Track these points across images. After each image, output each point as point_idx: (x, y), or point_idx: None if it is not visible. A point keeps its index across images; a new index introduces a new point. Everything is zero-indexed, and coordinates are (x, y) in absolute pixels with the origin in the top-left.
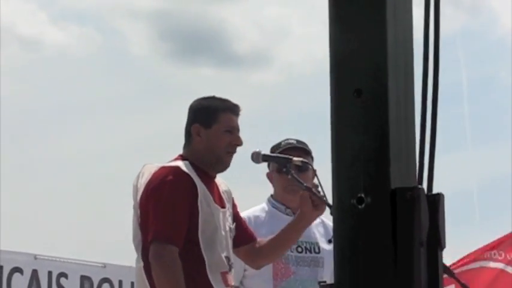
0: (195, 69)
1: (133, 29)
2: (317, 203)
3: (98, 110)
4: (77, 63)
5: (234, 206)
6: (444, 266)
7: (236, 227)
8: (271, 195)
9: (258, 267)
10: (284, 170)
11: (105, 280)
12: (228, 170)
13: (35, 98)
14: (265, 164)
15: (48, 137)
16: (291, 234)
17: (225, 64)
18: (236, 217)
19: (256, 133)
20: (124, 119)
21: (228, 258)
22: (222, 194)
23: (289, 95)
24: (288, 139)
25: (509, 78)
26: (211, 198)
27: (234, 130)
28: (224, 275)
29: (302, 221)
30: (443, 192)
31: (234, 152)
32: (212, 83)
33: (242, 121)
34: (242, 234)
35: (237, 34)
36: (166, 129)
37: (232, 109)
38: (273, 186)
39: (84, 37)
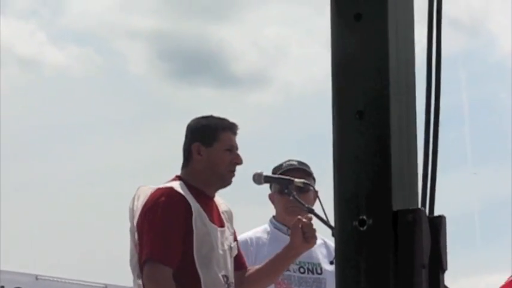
0: (194, 90)
1: (132, 49)
2: (308, 235)
3: (97, 130)
4: (76, 83)
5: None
6: None
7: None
8: (273, 216)
9: None
10: (286, 191)
11: None
12: (229, 190)
13: (34, 118)
14: (266, 185)
15: (47, 157)
16: (279, 265)
17: (224, 84)
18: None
19: (255, 153)
20: (124, 139)
21: (226, 276)
22: (221, 214)
23: (288, 115)
24: (289, 160)
25: (509, 99)
26: (207, 217)
27: (233, 149)
28: None
29: (291, 252)
30: (445, 214)
31: (234, 170)
32: (211, 103)
33: (241, 141)
34: (236, 260)
35: (235, 54)
36: (166, 150)
37: (231, 128)
38: (275, 207)
39: (84, 57)
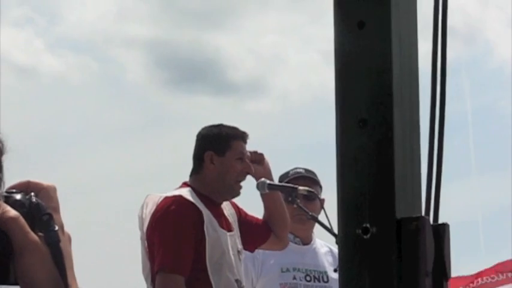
0: (191, 97)
1: (129, 57)
2: (256, 159)
3: (95, 138)
4: (73, 91)
5: (242, 214)
6: None
7: (252, 226)
8: None
9: (284, 241)
10: (290, 199)
11: None
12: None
13: (32, 126)
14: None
15: (45, 165)
16: (270, 199)
17: (221, 92)
18: (245, 218)
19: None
20: (122, 146)
21: (238, 281)
22: (228, 217)
23: (286, 122)
24: (296, 168)
25: (509, 107)
26: (217, 223)
27: (244, 157)
28: None
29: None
30: (448, 222)
31: (244, 179)
32: (209, 111)
33: None
34: (261, 228)
35: (233, 62)
36: (164, 157)
37: (243, 136)
38: None
39: (81, 65)
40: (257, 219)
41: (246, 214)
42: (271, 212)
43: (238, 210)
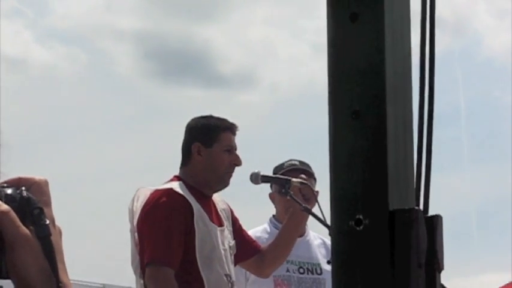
0: (181, 90)
1: (118, 49)
2: (308, 197)
3: (84, 130)
4: (63, 82)
5: (235, 222)
6: (443, 287)
7: (241, 241)
8: (273, 216)
9: (266, 276)
10: (283, 191)
11: None
12: (228, 189)
13: (22, 118)
14: (262, 185)
15: (35, 158)
16: (291, 232)
17: (210, 84)
18: (239, 231)
19: (243, 153)
20: (111, 138)
21: (228, 276)
22: (219, 213)
23: (276, 115)
24: (291, 160)
25: (504, 98)
26: (207, 217)
27: (233, 149)
28: None
29: (297, 218)
30: (441, 214)
31: (233, 171)
32: (199, 104)
33: None
34: (248, 247)
35: (222, 54)
36: (154, 149)
37: (231, 128)
38: (275, 206)
39: (70, 57)
40: (249, 236)
41: (241, 226)
42: (278, 247)
43: (235, 220)
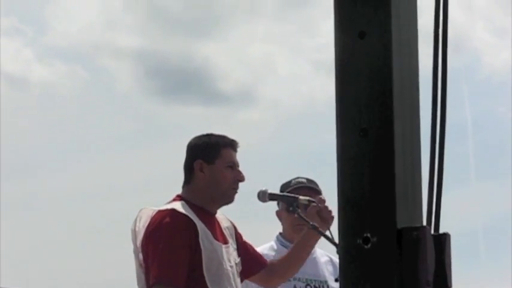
0: (182, 107)
1: (118, 67)
2: (325, 216)
3: (85, 148)
4: (64, 100)
5: (238, 237)
6: None
7: (246, 256)
8: (280, 233)
9: (272, 287)
10: (291, 208)
11: None
12: (231, 207)
13: (23, 136)
14: (270, 202)
15: (36, 175)
16: (302, 252)
17: (211, 102)
18: (244, 246)
19: (245, 170)
20: (113, 156)
21: None
22: (223, 230)
23: (277, 132)
24: (298, 177)
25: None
26: (211, 235)
27: (235, 166)
28: None
29: (313, 238)
30: (449, 231)
31: (237, 187)
32: (200, 121)
33: None
34: (254, 262)
35: (222, 72)
36: (155, 168)
37: (232, 144)
38: (282, 224)
39: (71, 74)
40: (254, 250)
41: (245, 241)
42: (288, 265)
43: (239, 236)
